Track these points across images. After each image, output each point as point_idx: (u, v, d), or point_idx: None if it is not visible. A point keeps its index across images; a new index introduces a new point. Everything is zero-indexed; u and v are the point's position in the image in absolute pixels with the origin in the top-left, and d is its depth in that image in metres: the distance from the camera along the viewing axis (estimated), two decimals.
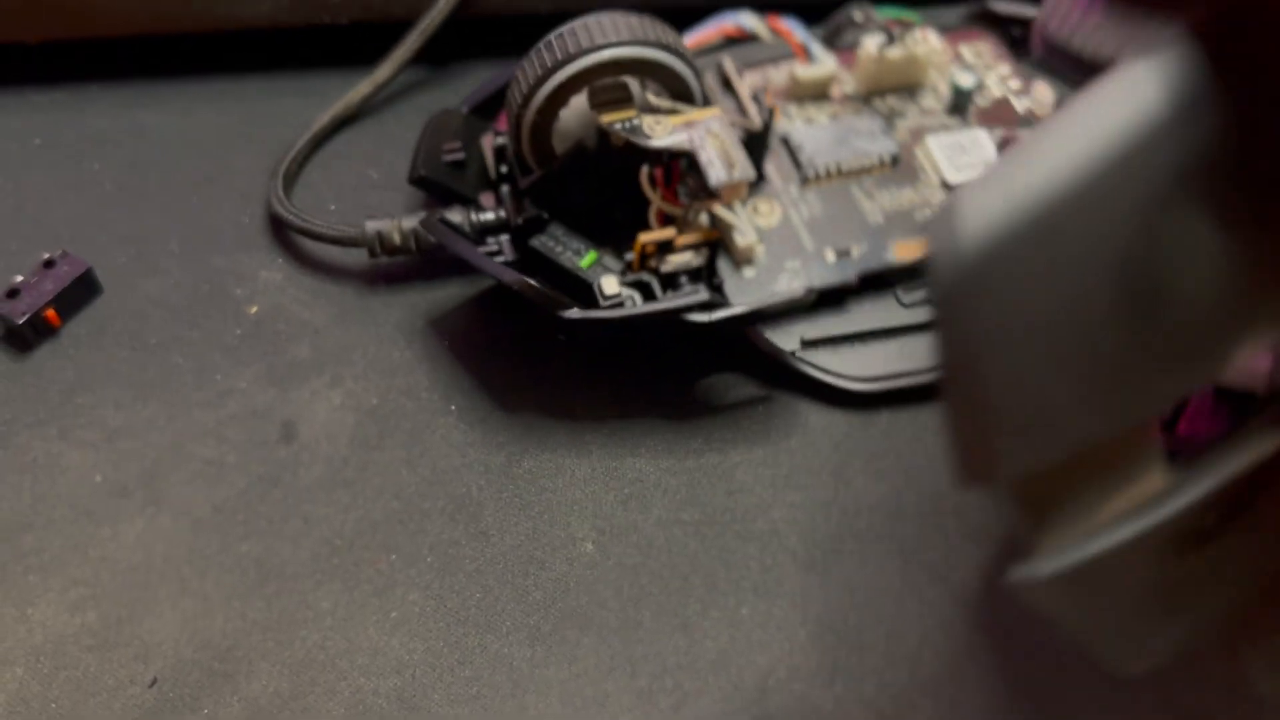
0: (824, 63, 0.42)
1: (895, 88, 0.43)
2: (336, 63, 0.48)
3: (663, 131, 0.35)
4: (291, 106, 0.46)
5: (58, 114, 0.46)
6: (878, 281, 0.39)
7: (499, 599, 0.35)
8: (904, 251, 0.39)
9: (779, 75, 0.43)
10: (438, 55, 0.47)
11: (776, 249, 0.39)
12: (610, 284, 0.36)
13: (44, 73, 0.47)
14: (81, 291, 0.41)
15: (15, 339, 0.40)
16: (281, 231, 0.43)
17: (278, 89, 0.47)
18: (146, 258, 0.42)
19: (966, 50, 0.45)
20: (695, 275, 0.36)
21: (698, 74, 0.37)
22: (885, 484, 0.38)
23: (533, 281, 0.35)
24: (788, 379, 0.39)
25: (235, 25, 0.46)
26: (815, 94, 0.43)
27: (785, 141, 0.41)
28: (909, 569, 0.36)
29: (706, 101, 0.38)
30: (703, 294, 0.35)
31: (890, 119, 0.42)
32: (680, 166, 0.36)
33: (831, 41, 0.44)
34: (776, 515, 0.37)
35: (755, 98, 0.39)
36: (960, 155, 0.41)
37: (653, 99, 0.36)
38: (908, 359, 0.39)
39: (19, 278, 0.40)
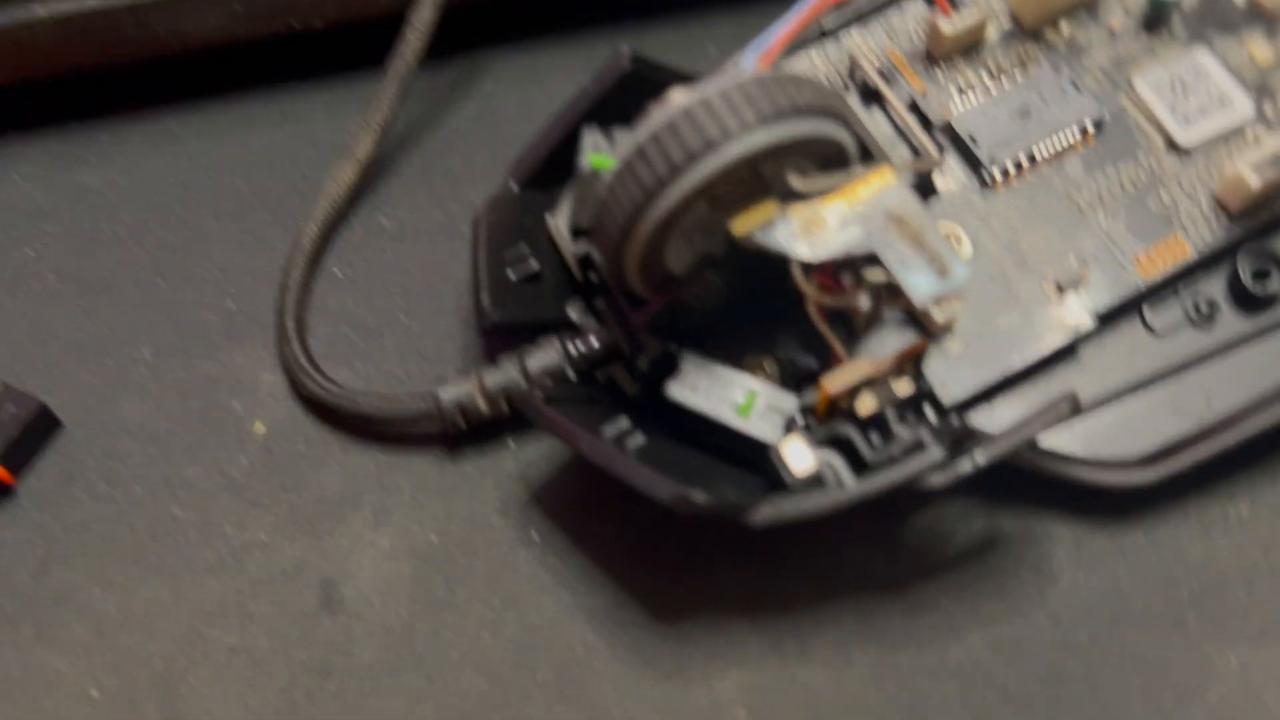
0: (971, 6, 0.32)
1: (1065, 9, 0.33)
2: (312, 75, 0.38)
3: (824, 228, 0.26)
4: (272, 140, 0.37)
5: None
6: (1114, 311, 0.30)
7: None
8: (1152, 262, 0.30)
9: (903, 27, 0.33)
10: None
11: (978, 299, 0.30)
12: (799, 455, 0.27)
13: None
14: (36, 434, 0.32)
15: None
16: (282, 324, 0.33)
17: (249, 117, 0.37)
18: (111, 372, 0.33)
19: None
20: (906, 406, 0.27)
21: (854, 128, 0.27)
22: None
23: (700, 496, 0.26)
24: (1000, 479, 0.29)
25: (182, 46, 0.36)
26: (967, 47, 0.32)
27: (949, 132, 0.31)
28: None
29: (865, 152, 0.28)
30: (935, 452, 0.26)
31: (1072, 60, 0.32)
32: None
33: None
34: (975, 641, 0.29)
35: (917, 110, 0.29)
36: (1184, 97, 0.31)
37: (796, 181, 0.26)
38: (1185, 415, 0.30)
39: None
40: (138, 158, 0.37)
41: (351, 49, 0.37)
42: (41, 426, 0.32)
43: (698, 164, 0.25)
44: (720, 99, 0.25)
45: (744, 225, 0.26)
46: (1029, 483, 0.30)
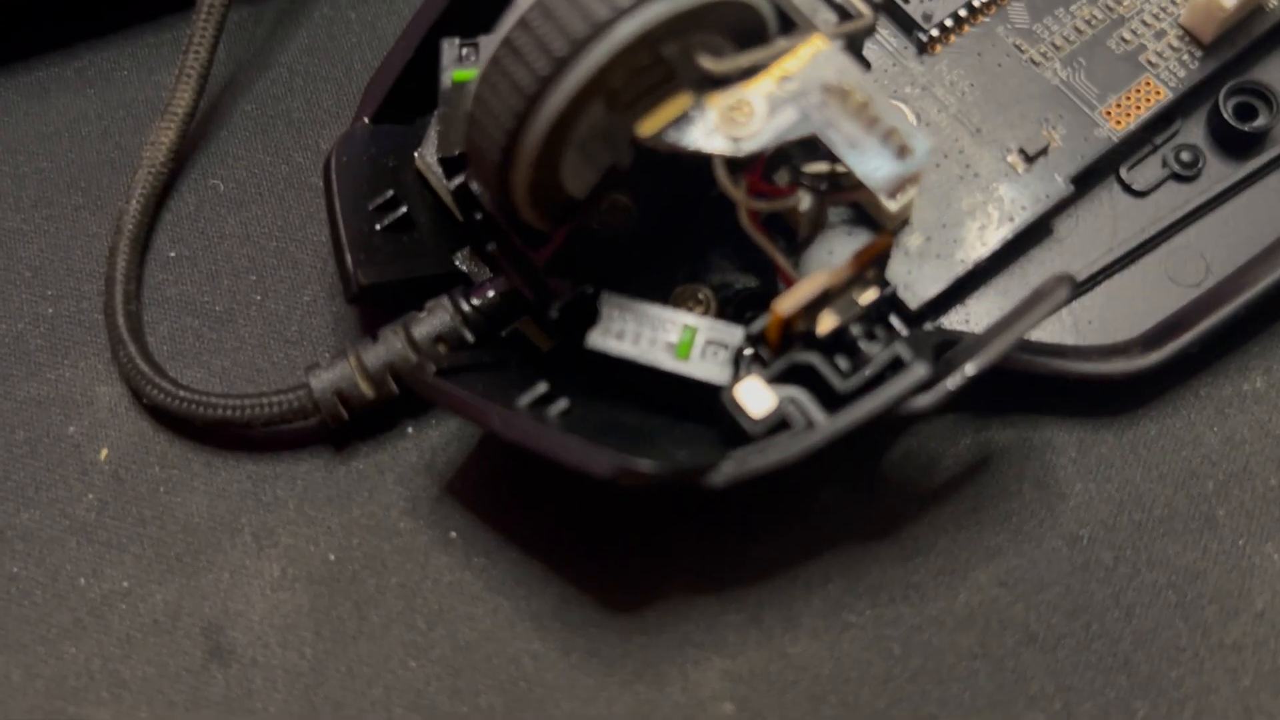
0: None
1: None
2: (110, 26, 0.32)
3: (750, 116, 0.21)
4: (73, 107, 0.31)
5: None
6: (1089, 174, 0.26)
7: None
8: (1123, 111, 0.26)
9: None
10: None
11: (933, 181, 0.25)
12: (756, 396, 0.22)
13: None
14: None
15: None
16: (113, 324, 0.28)
17: (41, 84, 0.32)
18: None
19: None
20: (873, 318, 0.23)
21: None
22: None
23: (646, 463, 0.21)
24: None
25: None
26: None
27: None
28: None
29: (785, 21, 0.22)
30: (918, 369, 0.21)
31: None
32: None
33: None
34: (984, 580, 0.25)
35: None
36: None
37: (708, 63, 0.21)
38: (1182, 284, 0.26)
39: None
40: None
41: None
42: None
43: (585, 51, 0.20)
44: None
45: (652, 125, 0.21)
46: (1018, 386, 0.25)
